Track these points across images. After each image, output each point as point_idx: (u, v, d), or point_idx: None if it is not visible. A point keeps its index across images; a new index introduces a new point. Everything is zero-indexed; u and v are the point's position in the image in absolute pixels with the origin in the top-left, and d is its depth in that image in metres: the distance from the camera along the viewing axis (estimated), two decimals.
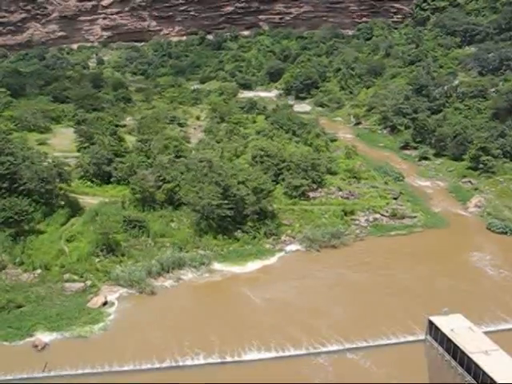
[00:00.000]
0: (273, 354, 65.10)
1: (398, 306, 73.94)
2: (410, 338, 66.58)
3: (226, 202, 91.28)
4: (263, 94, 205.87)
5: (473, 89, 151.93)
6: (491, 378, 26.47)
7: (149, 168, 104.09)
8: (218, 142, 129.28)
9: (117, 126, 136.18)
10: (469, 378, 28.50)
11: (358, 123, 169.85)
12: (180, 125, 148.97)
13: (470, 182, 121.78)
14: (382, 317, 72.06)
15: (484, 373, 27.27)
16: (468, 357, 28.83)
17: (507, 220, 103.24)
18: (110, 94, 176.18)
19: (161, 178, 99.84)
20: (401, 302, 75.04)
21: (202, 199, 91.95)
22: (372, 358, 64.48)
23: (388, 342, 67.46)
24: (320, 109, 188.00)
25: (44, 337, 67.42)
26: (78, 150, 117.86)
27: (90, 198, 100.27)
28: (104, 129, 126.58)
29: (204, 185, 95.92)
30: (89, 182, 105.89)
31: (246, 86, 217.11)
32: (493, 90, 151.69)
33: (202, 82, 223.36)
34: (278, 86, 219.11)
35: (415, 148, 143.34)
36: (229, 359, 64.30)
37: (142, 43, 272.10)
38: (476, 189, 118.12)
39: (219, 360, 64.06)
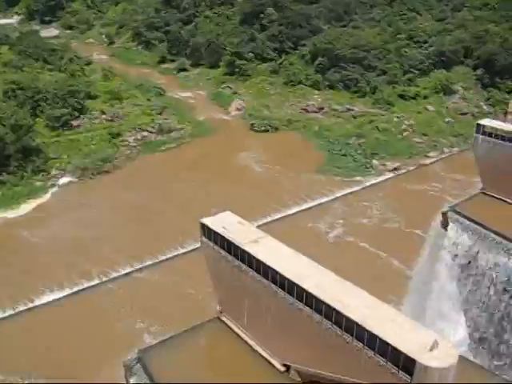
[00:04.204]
0: (66, 292, 64.12)
1: (180, 218, 76.07)
2: (197, 245, 69.30)
3: None
4: (3, 22, 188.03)
5: None
6: (259, 260, 29.51)
7: None
8: None
9: None
10: (245, 267, 31.24)
11: (112, 42, 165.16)
12: None
13: (228, 87, 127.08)
14: (165, 231, 74.26)
15: (254, 258, 30.16)
16: (240, 248, 31.34)
17: (267, 119, 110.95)
18: None
19: None
20: (181, 213, 77.33)
21: None
22: (160, 272, 67.03)
23: (175, 253, 70.25)
24: (69, 31, 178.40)
25: None
26: None
27: None
28: None
29: None
30: None
31: None
32: None
33: None
34: (18, 11, 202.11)
35: (172, 61, 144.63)
36: (22, 308, 61.77)
37: None
38: (235, 93, 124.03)
39: (12, 312, 61.18)
